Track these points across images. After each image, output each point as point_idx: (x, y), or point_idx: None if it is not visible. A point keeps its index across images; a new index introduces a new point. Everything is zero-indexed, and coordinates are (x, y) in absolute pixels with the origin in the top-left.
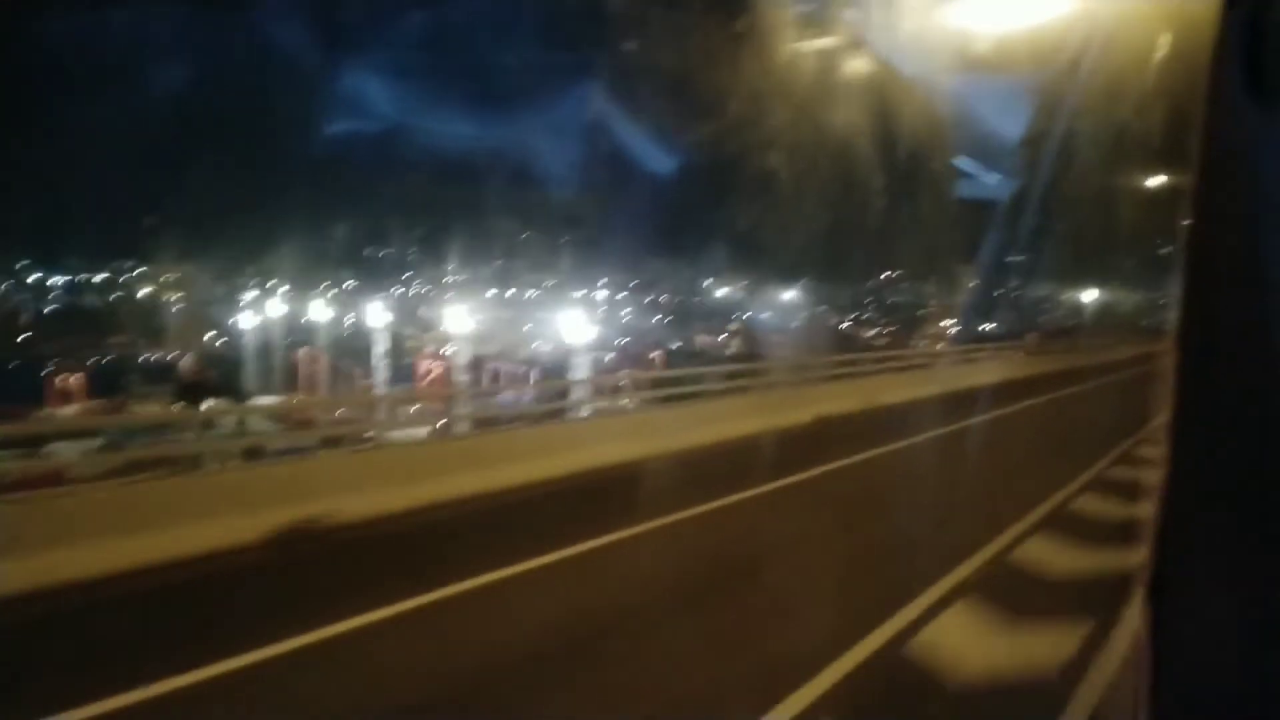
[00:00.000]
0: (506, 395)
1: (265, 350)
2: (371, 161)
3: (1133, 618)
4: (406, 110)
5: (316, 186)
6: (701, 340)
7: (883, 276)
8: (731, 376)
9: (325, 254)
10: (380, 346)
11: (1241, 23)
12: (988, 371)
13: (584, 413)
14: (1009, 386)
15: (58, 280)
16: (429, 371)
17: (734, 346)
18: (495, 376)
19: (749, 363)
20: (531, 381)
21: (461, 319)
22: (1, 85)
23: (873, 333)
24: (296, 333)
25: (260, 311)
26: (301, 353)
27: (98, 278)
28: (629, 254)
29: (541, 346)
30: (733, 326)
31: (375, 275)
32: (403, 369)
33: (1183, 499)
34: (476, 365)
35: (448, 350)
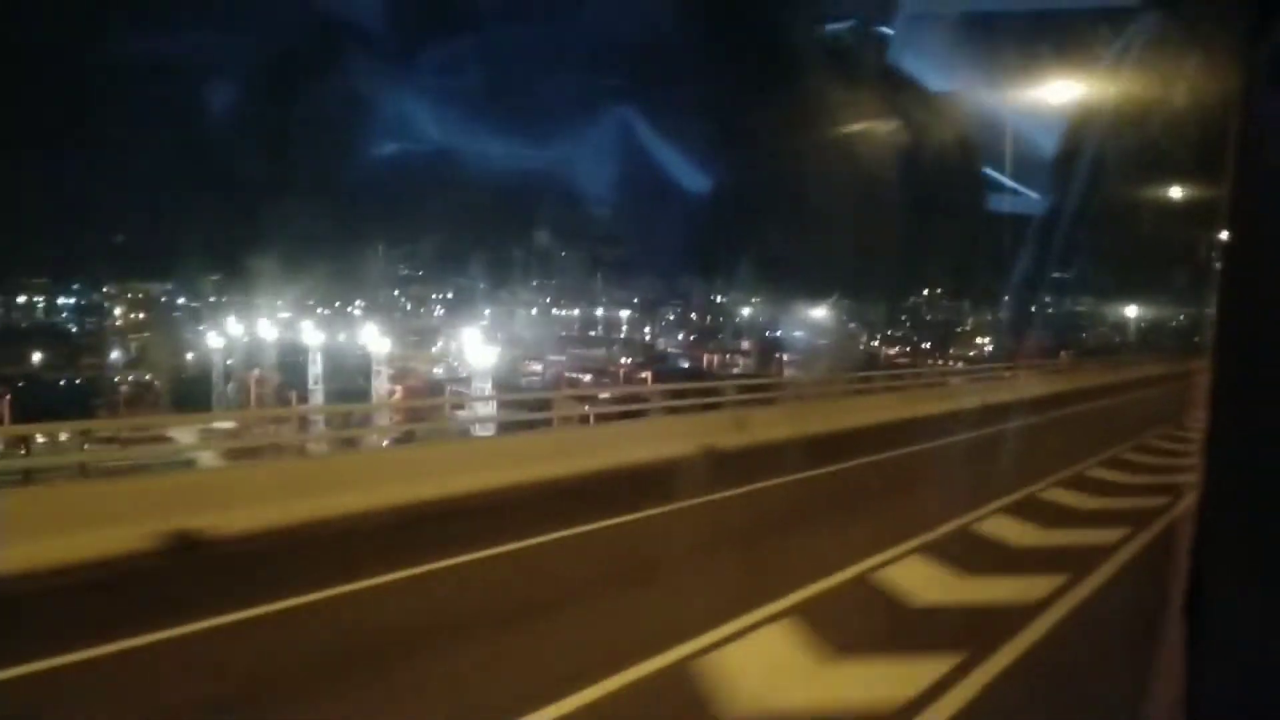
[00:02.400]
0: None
1: (226, 371)
2: (400, 184)
3: (1170, 628)
4: (441, 133)
5: (339, 209)
6: (709, 358)
7: (923, 294)
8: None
9: (342, 276)
10: (318, 368)
11: (1277, 38)
12: (999, 391)
13: (486, 432)
14: (1004, 408)
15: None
16: (391, 392)
17: (742, 365)
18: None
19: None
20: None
21: (449, 340)
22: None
23: (894, 350)
24: (270, 353)
25: (248, 332)
26: (254, 374)
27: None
28: (660, 273)
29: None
30: (746, 345)
31: (384, 299)
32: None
33: (1219, 511)
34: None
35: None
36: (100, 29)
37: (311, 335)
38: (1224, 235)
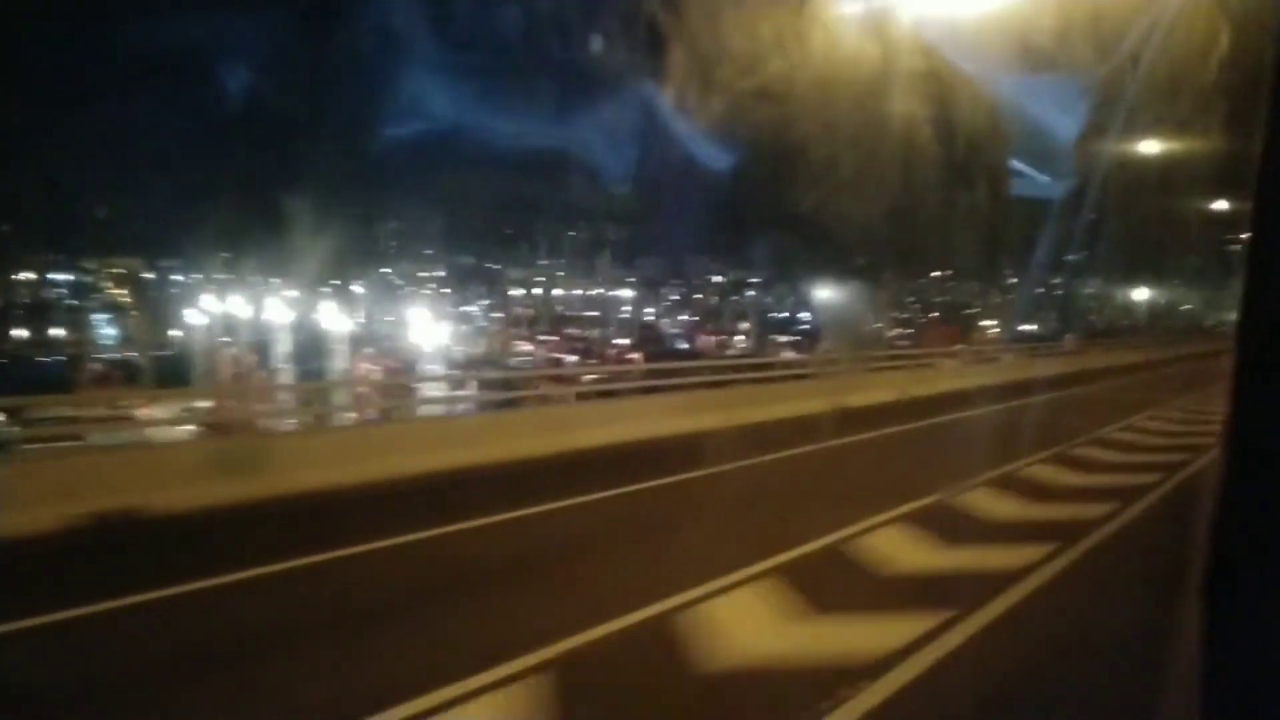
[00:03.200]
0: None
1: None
2: (411, 162)
3: (1188, 618)
4: (454, 110)
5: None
6: (702, 341)
7: (931, 276)
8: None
9: (348, 254)
10: (287, 347)
11: None
12: (987, 374)
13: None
14: (979, 392)
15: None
16: (366, 373)
17: (737, 347)
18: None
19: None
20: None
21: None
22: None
23: (895, 333)
24: (254, 332)
25: (239, 309)
26: (228, 354)
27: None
28: (671, 252)
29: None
30: (745, 325)
31: (379, 277)
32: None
33: (1239, 501)
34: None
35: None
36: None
37: (285, 314)
38: (1248, 223)
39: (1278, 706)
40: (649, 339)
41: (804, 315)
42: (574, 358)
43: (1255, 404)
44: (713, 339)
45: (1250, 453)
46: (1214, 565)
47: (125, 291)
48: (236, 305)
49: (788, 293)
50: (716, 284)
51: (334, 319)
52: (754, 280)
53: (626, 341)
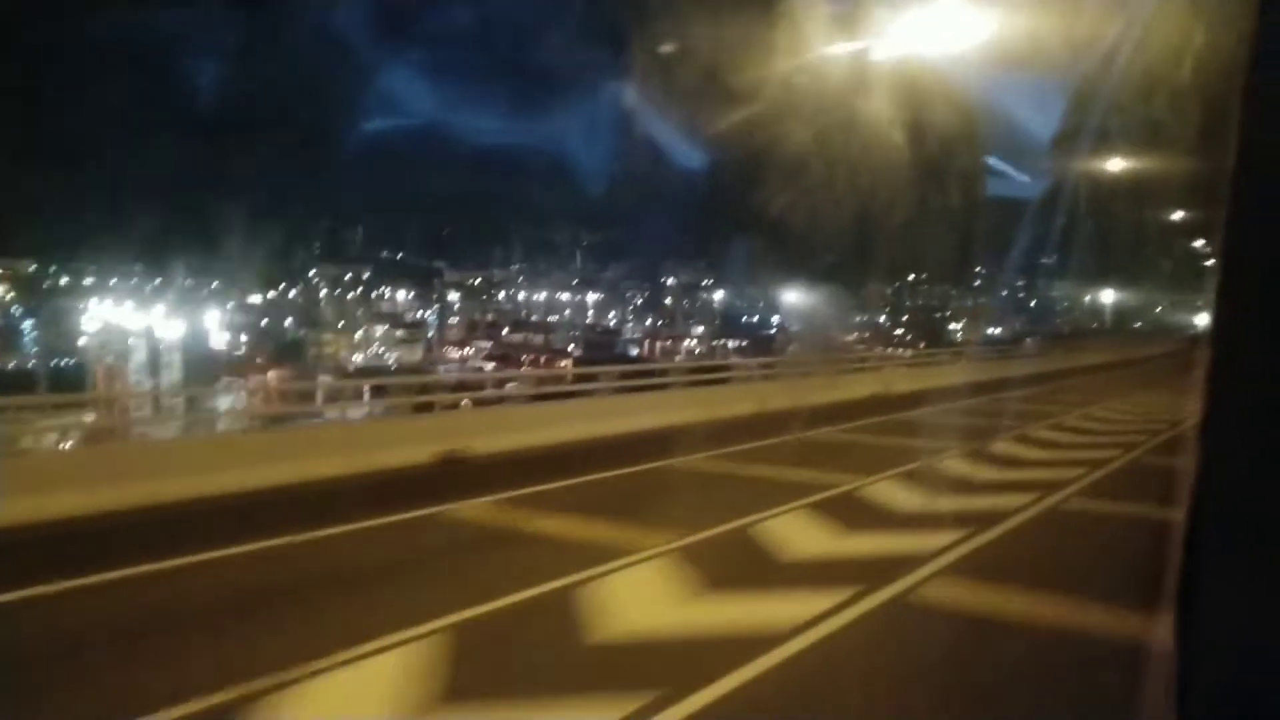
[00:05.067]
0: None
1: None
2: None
3: (1164, 618)
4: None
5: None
6: (648, 347)
7: (907, 279)
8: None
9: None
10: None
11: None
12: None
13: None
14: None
15: None
16: (257, 386)
17: (684, 352)
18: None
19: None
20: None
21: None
22: None
23: (853, 337)
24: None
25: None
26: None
27: None
28: (640, 256)
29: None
30: (700, 330)
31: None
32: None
33: (1212, 501)
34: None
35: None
36: None
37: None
38: (1222, 221)
39: (1253, 705)
40: (596, 344)
41: (773, 319)
42: (490, 365)
43: (1228, 407)
44: (659, 344)
45: (1222, 455)
46: (1189, 566)
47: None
48: (128, 314)
49: (760, 296)
50: (684, 287)
51: (217, 331)
52: (716, 283)
53: (570, 347)
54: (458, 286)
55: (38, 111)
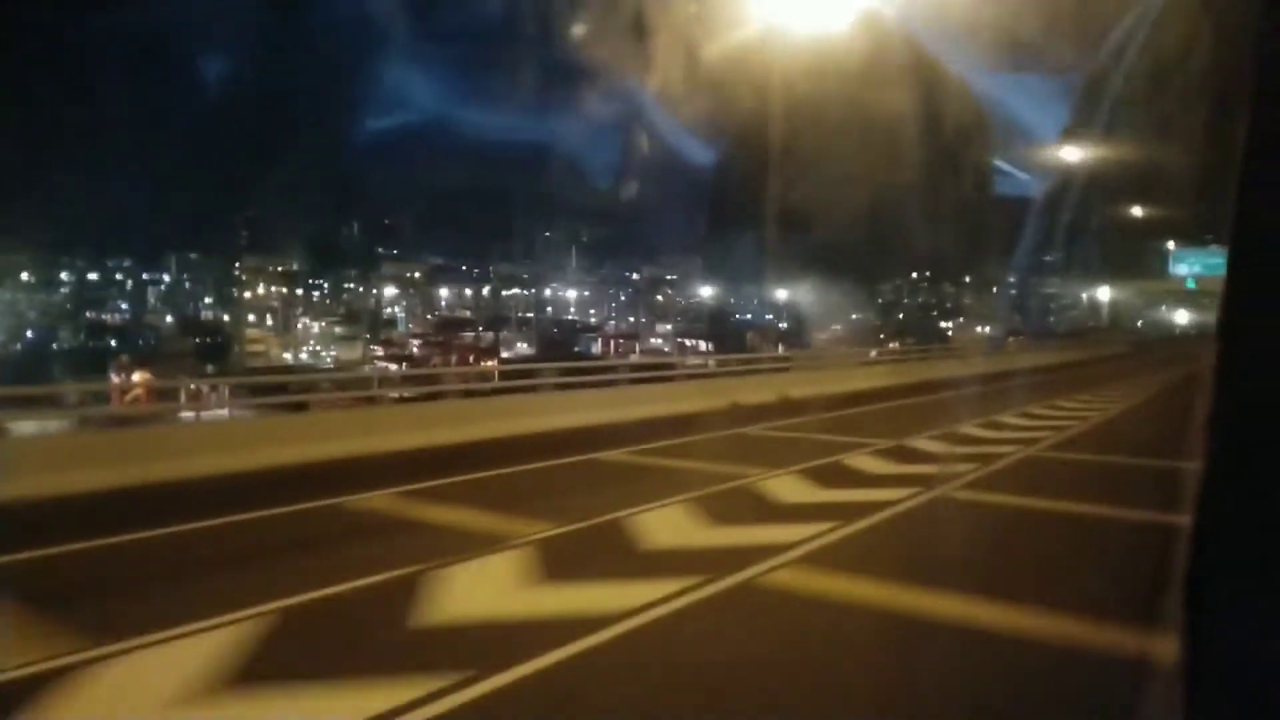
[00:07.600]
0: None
1: None
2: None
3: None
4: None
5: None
6: (604, 344)
7: (909, 277)
8: None
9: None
10: None
11: None
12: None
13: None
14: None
15: None
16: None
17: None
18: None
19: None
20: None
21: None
22: None
23: (824, 336)
24: None
25: None
26: None
27: None
28: (635, 254)
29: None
30: (665, 329)
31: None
32: None
33: (1220, 502)
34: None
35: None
36: None
37: None
38: (1231, 217)
39: (1261, 706)
40: (553, 342)
41: (759, 316)
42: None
43: (1236, 405)
44: (616, 343)
45: (1231, 454)
46: (1197, 566)
47: None
48: None
49: (754, 294)
50: (653, 282)
51: None
52: (706, 281)
53: (523, 346)
54: (396, 280)
55: None
